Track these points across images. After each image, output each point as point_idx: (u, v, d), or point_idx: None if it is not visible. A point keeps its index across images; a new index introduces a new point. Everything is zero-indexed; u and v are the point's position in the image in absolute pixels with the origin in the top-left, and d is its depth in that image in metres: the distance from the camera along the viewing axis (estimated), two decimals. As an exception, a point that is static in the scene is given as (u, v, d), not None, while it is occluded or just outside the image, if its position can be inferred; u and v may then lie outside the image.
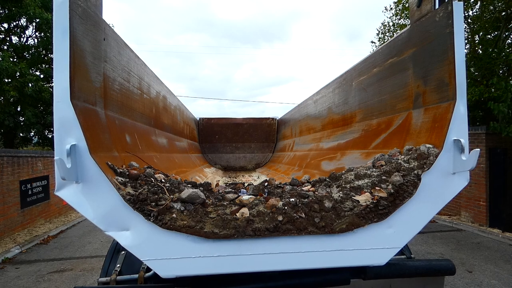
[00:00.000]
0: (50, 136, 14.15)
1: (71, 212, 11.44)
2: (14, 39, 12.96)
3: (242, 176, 5.84)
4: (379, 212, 1.47)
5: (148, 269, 1.85)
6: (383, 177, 1.60)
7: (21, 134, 13.84)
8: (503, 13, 10.17)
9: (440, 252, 6.92)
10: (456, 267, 1.78)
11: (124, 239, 1.37)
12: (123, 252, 2.12)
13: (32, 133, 13.93)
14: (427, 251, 6.98)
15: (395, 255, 1.55)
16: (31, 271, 6.16)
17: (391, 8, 14.51)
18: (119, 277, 1.89)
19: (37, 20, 11.38)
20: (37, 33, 12.84)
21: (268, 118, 7.77)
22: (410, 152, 1.73)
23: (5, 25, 12.30)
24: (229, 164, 7.23)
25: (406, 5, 13.15)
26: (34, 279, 5.79)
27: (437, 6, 1.83)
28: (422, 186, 1.53)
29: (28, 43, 12.99)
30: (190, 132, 6.14)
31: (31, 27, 12.71)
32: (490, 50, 9.87)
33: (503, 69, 10.54)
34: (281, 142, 7.08)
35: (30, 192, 9.16)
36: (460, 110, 1.62)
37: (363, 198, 1.51)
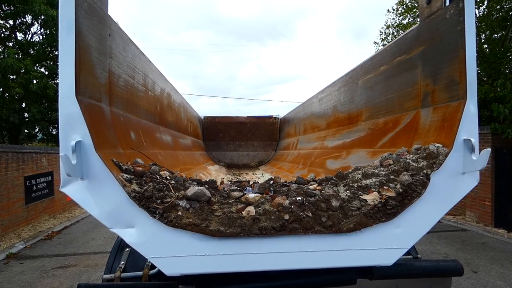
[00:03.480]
0: (54, 133, 14.23)
1: (75, 208, 11.51)
2: (20, 35, 13.02)
3: (246, 173, 5.83)
4: (387, 211, 1.45)
5: (153, 267, 1.85)
6: (391, 177, 1.58)
7: (25, 131, 13.93)
8: (511, 12, 10.05)
9: (445, 252, 6.88)
10: (462, 268, 1.75)
11: (129, 236, 1.36)
12: (127, 249, 2.11)
13: (37, 130, 14.00)
14: (432, 251, 6.94)
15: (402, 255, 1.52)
16: (35, 267, 6.21)
17: (394, 10, 14.40)
18: (123, 274, 1.88)
19: (42, 17, 11.42)
20: (42, 30, 12.89)
21: (271, 117, 7.78)
22: (419, 151, 1.70)
23: (11, 21, 12.35)
24: (233, 162, 7.26)
25: (410, 5, 13.03)
26: (38, 274, 5.83)
27: (447, 3, 1.79)
28: (431, 186, 1.50)
29: (33, 40, 13.04)
30: (194, 130, 6.14)
31: (36, 24, 12.75)
32: (497, 49, 9.76)
33: (510, 69, 10.42)
34: (284, 140, 7.06)
35: (34, 188, 9.22)
36: (471, 109, 1.59)
37: (371, 198, 1.48)
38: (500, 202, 8.63)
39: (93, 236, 8.29)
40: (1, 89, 11.50)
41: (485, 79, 10.00)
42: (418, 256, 2.16)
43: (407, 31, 2.25)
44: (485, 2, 10.60)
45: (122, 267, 1.95)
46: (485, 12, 10.72)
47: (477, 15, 10.82)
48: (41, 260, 6.62)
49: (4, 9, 11.68)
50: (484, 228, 8.65)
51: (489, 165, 8.66)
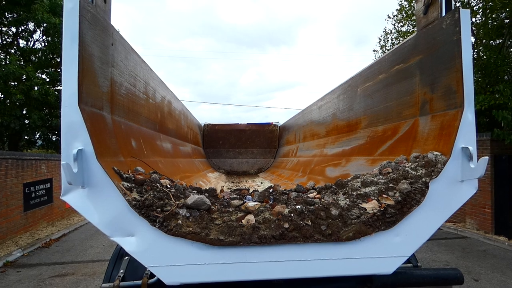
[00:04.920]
0: (54, 139, 14.24)
1: (74, 215, 11.46)
2: (22, 42, 13.11)
3: (246, 181, 5.83)
4: (386, 220, 1.46)
5: (152, 275, 1.84)
6: (390, 185, 1.59)
7: (26, 137, 13.93)
8: (507, 20, 10.16)
9: (445, 260, 6.84)
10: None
11: (129, 245, 1.36)
12: (126, 257, 2.11)
13: (37, 136, 14.01)
14: (432, 259, 6.90)
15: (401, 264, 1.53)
16: (33, 275, 6.16)
17: (394, 16, 14.54)
18: (122, 283, 1.87)
19: (45, 24, 11.51)
20: (44, 37, 12.99)
21: (270, 124, 7.84)
22: (418, 159, 1.71)
23: (13, 29, 12.46)
24: (232, 169, 7.28)
25: (409, 13, 13.18)
26: (35, 283, 5.78)
27: (444, 14, 1.83)
28: (430, 194, 1.51)
29: (35, 47, 13.13)
30: (194, 137, 6.16)
31: (39, 31, 12.86)
32: (495, 57, 9.83)
33: (508, 76, 10.49)
34: (283, 147, 7.07)
35: (33, 195, 9.18)
36: (468, 117, 1.61)
37: (370, 206, 1.49)
38: (500, 209, 8.61)
39: (92, 244, 8.24)
40: (2, 96, 11.54)
41: (484, 86, 10.05)
42: (418, 264, 2.16)
43: (405, 40, 2.28)
44: (480, 11, 10.71)
45: (121, 275, 1.94)
46: (483, 19, 10.82)
47: (474, 23, 10.93)
48: (38, 268, 6.57)
49: (7, 16, 11.79)
50: (485, 236, 8.61)
51: (488, 172, 8.66)
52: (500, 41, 10.56)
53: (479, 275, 6.04)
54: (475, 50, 10.77)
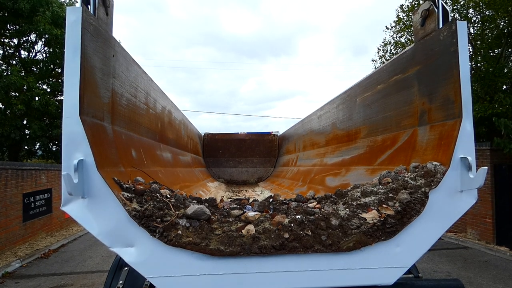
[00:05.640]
0: (54, 149, 14.25)
1: (73, 225, 11.38)
2: (23, 53, 13.25)
3: (246, 190, 5.81)
4: (386, 230, 1.45)
5: (151, 286, 1.83)
6: (390, 195, 1.59)
7: (26, 147, 13.93)
8: (505, 30, 10.27)
9: (446, 271, 6.77)
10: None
11: (129, 255, 1.36)
12: (125, 268, 2.09)
13: (37, 146, 14.01)
14: (434, 269, 6.82)
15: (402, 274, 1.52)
16: (31, 286, 6.08)
17: (392, 27, 14.69)
18: (121, 294, 1.86)
19: (47, 36, 11.65)
20: (45, 48, 13.13)
21: (270, 134, 7.88)
22: (417, 169, 1.72)
23: (15, 40, 12.60)
24: (232, 178, 7.28)
25: (407, 24, 13.33)
26: (34, 294, 5.70)
27: (441, 26, 1.86)
28: (429, 204, 1.51)
29: (37, 57, 13.26)
30: (194, 147, 6.16)
31: (40, 43, 13.00)
32: (493, 67, 9.91)
33: (506, 86, 10.56)
34: (283, 157, 7.08)
35: (32, 205, 9.13)
36: (467, 127, 1.62)
37: (370, 216, 1.49)
38: (501, 219, 8.55)
39: (91, 254, 8.16)
40: (3, 106, 11.60)
41: (481, 95, 10.10)
42: (419, 275, 2.14)
43: (403, 51, 2.31)
44: (479, 23, 10.85)
45: (120, 287, 1.93)
46: (482, 29, 10.94)
47: (473, 33, 11.05)
48: (37, 279, 6.49)
49: (10, 28, 11.94)
50: (486, 246, 8.53)
51: (489, 181, 8.63)
52: (498, 51, 10.67)
53: (481, 286, 5.97)
54: (473, 61, 10.86)
